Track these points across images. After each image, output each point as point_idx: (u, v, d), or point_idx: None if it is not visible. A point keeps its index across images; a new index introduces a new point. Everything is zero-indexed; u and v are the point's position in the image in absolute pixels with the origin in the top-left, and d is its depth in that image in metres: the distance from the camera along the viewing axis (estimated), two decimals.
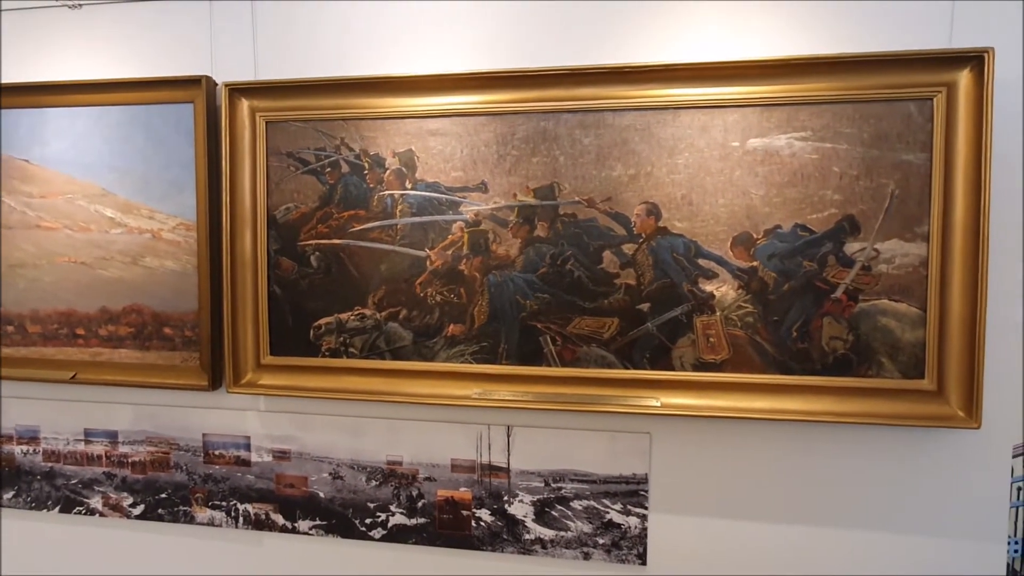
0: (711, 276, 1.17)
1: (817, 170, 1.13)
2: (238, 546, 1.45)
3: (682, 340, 1.19)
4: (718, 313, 1.17)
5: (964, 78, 1.09)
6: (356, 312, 1.31)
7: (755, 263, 1.16)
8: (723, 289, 1.17)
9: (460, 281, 1.26)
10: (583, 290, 1.22)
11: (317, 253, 1.32)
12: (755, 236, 1.15)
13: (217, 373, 1.38)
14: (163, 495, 1.46)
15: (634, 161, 1.19)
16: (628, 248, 1.20)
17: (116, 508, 1.48)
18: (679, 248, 1.18)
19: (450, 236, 1.26)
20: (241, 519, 1.43)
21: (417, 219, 1.27)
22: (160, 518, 1.47)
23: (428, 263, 1.27)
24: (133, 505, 1.48)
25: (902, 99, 1.11)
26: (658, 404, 1.19)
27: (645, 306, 1.20)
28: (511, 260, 1.24)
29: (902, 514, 1.20)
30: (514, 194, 1.23)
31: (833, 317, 1.14)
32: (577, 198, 1.21)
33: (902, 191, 1.11)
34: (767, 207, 1.15)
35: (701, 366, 1.19)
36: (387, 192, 1.28)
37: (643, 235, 1.19)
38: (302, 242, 1.32)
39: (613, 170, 1.20)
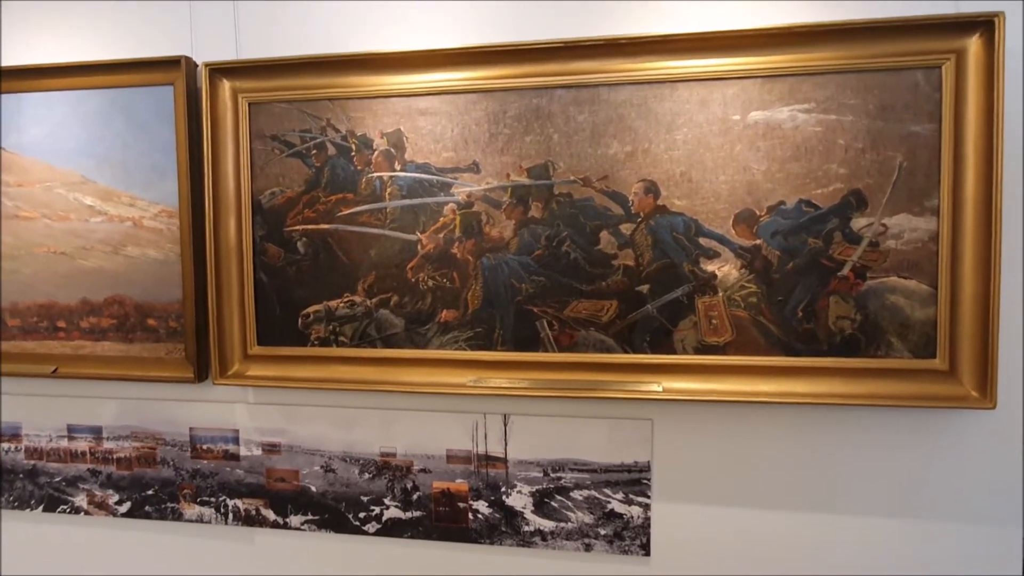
0: (713, 255, 1.18)
1: (821, 143, 1.14)
2: (228, 543, 1.46)
3: (684, 322, 1.20)
4: (720, 294, 1.18)
5: (973, 45, 1.09)
6: (345, 299, 1.32)
7: (758, 241, 1.16)
8: (725, 269, 1.18)
9: (453, 265, 1.27)
10: (580, 272, 1.22)
11: (304, 239, 1.33)
12: (758, 213, 1.16)
13: (203, 365, 1.39)
14: (150, 492, 1.48)
15: (631, 138, 1.20)
16: (626, 228, 1.20)
17: (101, 506, 1.50)
18: (679, 227, 1.19)
19: (442, 219, 1.27)
20: (231, 515, 1.44)
21: (407, 201, 1.28)
22: (147, 516, 1.48)
23: (419, 247, 1.28)
24: (119, 503, 1.49)
25: (909, 68, 1.11)
26: (660, 389, 1.20)
27: (645, 288, 1.21)
28: (505, 242, 1.25)
29: (914, 499, 1.21)
30: (507, 174, 1.24)
31: (840, 296, 1.15)
32: (572, 177, 1.22)
33: (910, 163, 1.12)
34: (770, 183, 1.16)
35: (704, 349, 1.19)
36: (375, 174, 1.29)
37: (641, 214, 1.20)
38: (288, 228, 1.33)
39: (609, 147, 1.21)
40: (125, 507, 1.49)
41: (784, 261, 1.16)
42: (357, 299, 1.31)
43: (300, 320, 1.34)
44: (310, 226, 1.32)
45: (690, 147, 1.18)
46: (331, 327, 1.33)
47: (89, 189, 1.44)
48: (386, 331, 1.31)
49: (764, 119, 1.15)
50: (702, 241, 1.18)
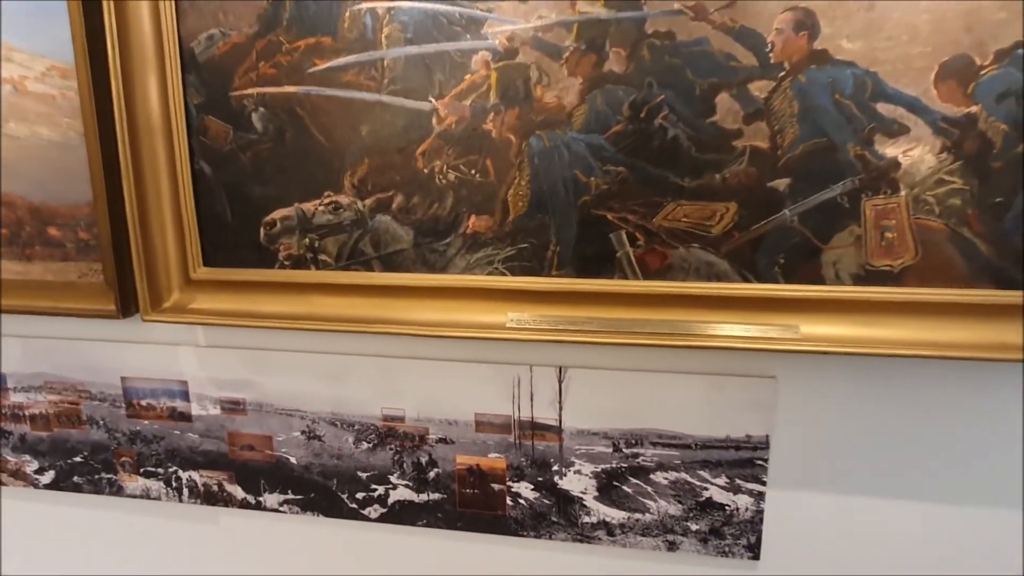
0: (897, 131, 0.78)
1: None
2: (186, 524, 1.16)
3: (840, 236, 0.82)
4: (903, 192, 0.79)
5: None
6: (327, 200, 0.93)
7: (974, 108, 0.76)
8: (915, 152, 0.78)
9: (485, 148, 0.88)
10: (681, 159, 0.83)
11: (261, 109, 0.92)
12: (978, 62, 0.75)
13: (130, 293, 1.02)
14: (78, 459, 1.16)
15: None
16: (759, 88, 0.80)
17: (17, 475, 1.19)
18: (846, 85, 0.78)
19: (468, 77, 0.86)
20: (186, 491, 1.13)
21: (415, 49, 0.87)
22: (78, 488, 1.17)
23: (434, 121, 0.88)
24: (40, 471, 1.18)
25: None
26: (796, 335, 0.84)
27: (782, 183, 0.82)
28: (566, 113, 0.85)
29: None
30: (571, 1, 0.82)
31: None
32: (677, 6, 0.80)
33: None
34: (1003, 11, 0.74)
35: (867, 277, 0.82)
36: (364, 5, 0.87)
37: (786, 65, 0.79)
38: (237, 92, 0.92)
39: None
40: (48, 477, 1.18)
41: (1012, 140, 0.76)
42: (343, 200, 0.93)
43: (262, 231, 0.96)
44: (269, 89, 0.91)
45: None
46: (307, 241, 0.95)
47: None
48: (387, 247, 0.94)
49: None
50: (881, 108, 0.78)
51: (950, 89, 0.76)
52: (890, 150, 0.79)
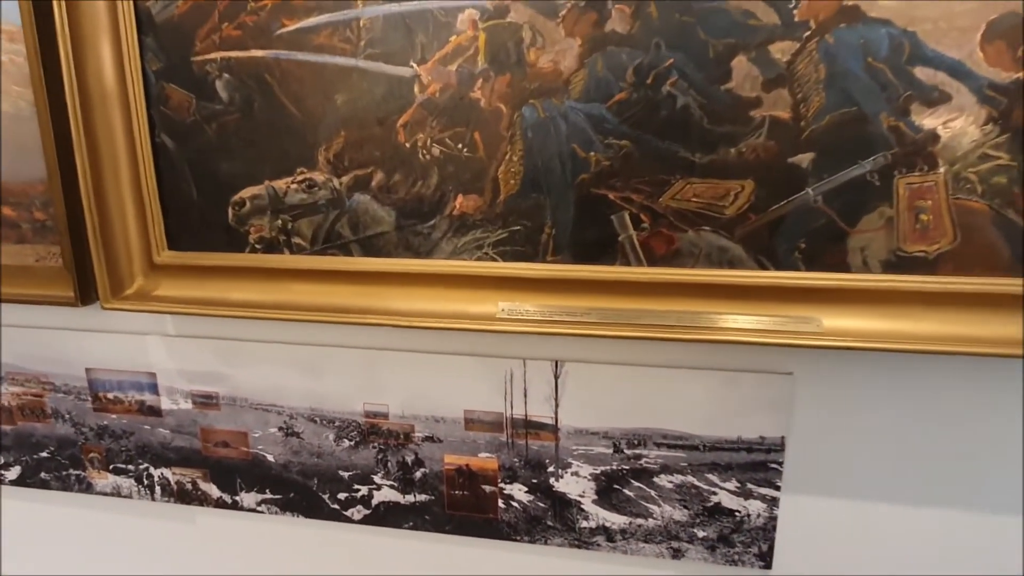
0: (936, 100, 0.69)
1: None
2: (160, 523, 1.10)
3: (869, 218, 0.74)
4: (942, 169, 0.71)
5: None
6: (300, 177, 0.85)
7: (1023, 73, 0.68)
8: (957, 124, 0.70)
9: (473, 119, 0.79)
10: (692, 131, 0.75)
11: (226, 76, 0.84)
12: None
13: (89, 278, 0.95)
14: (44, 453, 1.09)
15: None
16: (780, 50, 0.71)
17: None
18: (879, 47, 0.69)
19: (454, 38, 0.78)
20: (159, 488, 1.07)
21: (394, 7, 0.78)
22: (46, 484, 1.11)
23: (417, 89, 0.80)
24: (5, 467, 1.12)
25: None
26: (817, 328, 0.76)
27: (805, 158, 0.73)
28: (563, 80, 0.76)
29: None
30: None
31: None
32: None
33: None
34: None
35: (899, 264, 0.74)
36: None
37: (812, 24, 0.70)
38: (199, 56, 0.84)
39: None
40: (14, 472, 1.12)
41: None
42: (318, 177, 0.85)
43: (230, 211, 0.88)
44: (234, 53, 0.83)
45: None
46: (279, 222, 0.88)
47: None
48: (367, 229, 0.86)
49: None
50: (919, 74, 0.69)
51: (998, 51, 0.68)
52: (928, 121, 0.70)
